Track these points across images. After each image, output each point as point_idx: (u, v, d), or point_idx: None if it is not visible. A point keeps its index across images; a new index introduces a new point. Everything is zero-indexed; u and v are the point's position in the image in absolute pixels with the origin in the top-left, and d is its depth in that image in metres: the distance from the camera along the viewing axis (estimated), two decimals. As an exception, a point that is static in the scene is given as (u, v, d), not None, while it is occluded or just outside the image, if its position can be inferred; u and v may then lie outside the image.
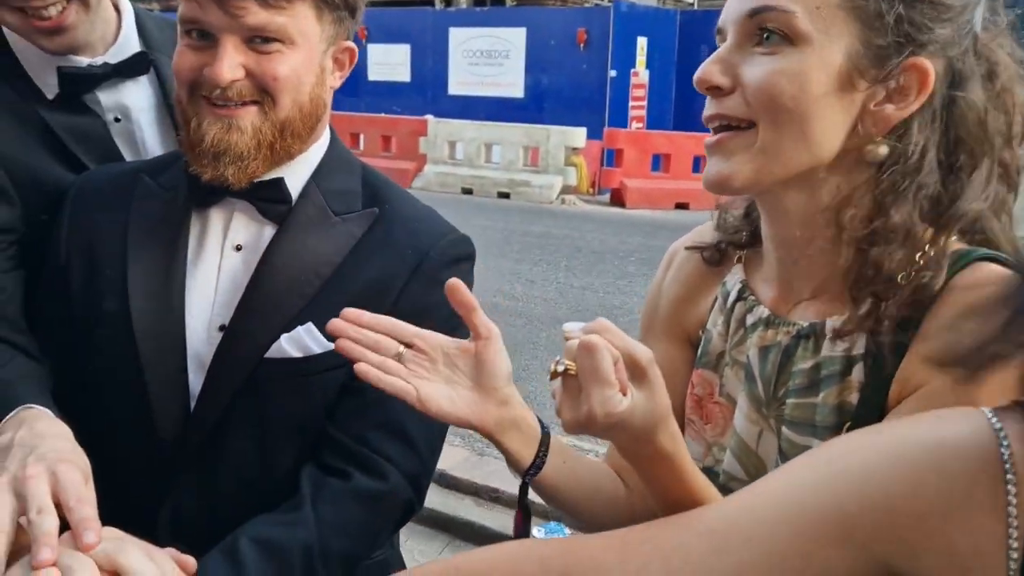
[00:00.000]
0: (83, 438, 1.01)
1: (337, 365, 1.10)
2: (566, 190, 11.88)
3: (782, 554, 0.65)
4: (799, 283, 0.98)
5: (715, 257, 1.08)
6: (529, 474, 0.95)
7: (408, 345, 0.92)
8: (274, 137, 1.09)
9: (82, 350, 1.15)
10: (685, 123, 14.18)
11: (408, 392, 0.89)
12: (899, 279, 0.87)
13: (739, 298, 1.03)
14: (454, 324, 1.18)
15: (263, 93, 1.07)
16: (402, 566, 1.34)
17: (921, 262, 0.87)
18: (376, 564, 1.23)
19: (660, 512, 0.89)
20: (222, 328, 1.12)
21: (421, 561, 3.27)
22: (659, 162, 12.13)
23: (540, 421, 0.98)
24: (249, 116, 1.08)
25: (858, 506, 0.63)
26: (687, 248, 1.13)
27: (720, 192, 0.94)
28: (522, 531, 0.99)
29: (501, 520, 3.75)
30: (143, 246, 1.13)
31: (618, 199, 11.83)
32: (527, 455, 0.95)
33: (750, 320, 1.01)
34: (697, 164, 12.13)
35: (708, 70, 0.90)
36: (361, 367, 0.88)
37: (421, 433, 1.13)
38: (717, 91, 0.90)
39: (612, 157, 12.28)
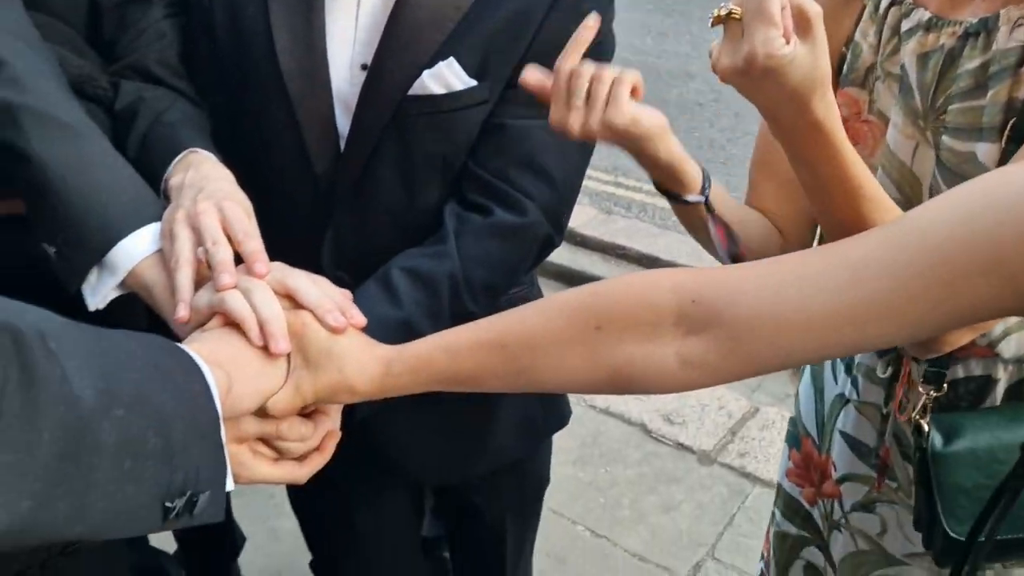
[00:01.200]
0: (245, 178, 1.08)
1: (479, 101, 1.11)
2: (703, -67, 10.88)
3: (924, 282, 0.65)
4: None
5: None
6: (705, 188, 0.99)
7: None
8: None
9: (234, 93, 1.19)
10: None
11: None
12: None
13: (893, 3, 0.97)
14: (596, 55, 1.14)
15: None
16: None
17: None
18: (517, 298, 1.29)
19: (821, 218, 0.90)
20: (364, 67, 1.13)
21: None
22: None
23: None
24: None
25: (1011, 234, 0.61)
26: None
27: None
28: (731, 242, 1.01)
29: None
30: (281, -17, 1.13)
31: (761, -59, 10.76)
32: (692, 169, 0.99)
33: (906, 26, 0.95)
34: None
35: None
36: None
37: (560, 169, 1.15)
38: None
39: None
